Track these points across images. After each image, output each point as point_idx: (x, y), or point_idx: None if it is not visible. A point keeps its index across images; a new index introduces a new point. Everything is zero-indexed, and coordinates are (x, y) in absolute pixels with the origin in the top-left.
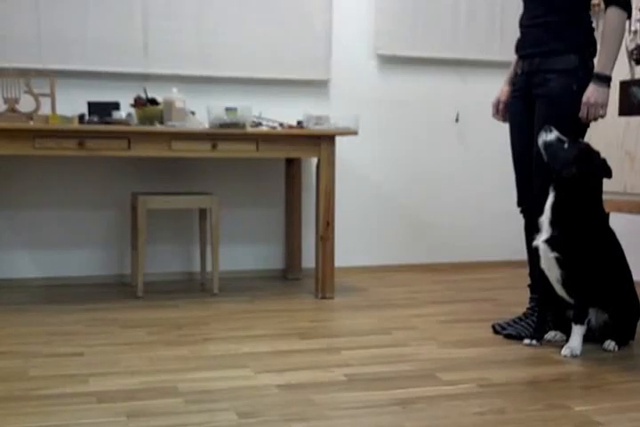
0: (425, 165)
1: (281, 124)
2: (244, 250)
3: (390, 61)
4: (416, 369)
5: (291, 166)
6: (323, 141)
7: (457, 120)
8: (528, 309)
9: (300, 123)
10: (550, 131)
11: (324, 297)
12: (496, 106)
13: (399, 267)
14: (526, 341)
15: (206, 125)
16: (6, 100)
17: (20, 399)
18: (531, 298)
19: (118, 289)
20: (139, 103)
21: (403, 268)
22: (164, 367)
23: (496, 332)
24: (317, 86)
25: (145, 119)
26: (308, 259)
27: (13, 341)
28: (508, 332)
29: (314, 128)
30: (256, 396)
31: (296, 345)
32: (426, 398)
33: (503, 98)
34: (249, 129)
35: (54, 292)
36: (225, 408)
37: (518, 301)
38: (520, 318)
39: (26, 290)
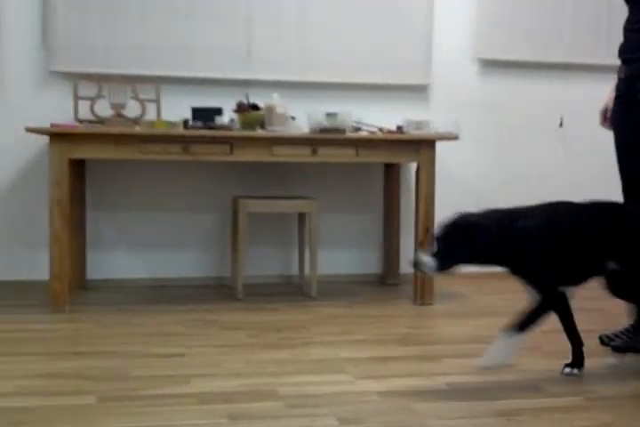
0: (525, 171)
1: (380, 129)
2: (343, 254)
3: (491, 65)
4: (520, 380)
5: (390, 171)
6: (423, 146)
7: (561, 125)
8: (637, 321)
9: (399, 128)
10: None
11: (422, 303)
12: (604, 114)
13: (497, 274)
14: None
15: (306, 130)
16: (113, 106)
17: (121, 399)
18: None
19: (218, 291)
20: (241, 109)
21: (500, 275)
22: (264, 370)
23: (603, 343)
24: (417, 91)
25: (247, 124)
26: (407, 264)
27: (115, 341)
28: (615, 344)
29: (414, 133)
30: (356, 402)
31: (395, 352)
32: (530, 411)
33: (611, 105)
34: (349, 134)
35: (156, 292)
36: (325, 413)
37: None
38: (628, 330)
39: (127, 290)
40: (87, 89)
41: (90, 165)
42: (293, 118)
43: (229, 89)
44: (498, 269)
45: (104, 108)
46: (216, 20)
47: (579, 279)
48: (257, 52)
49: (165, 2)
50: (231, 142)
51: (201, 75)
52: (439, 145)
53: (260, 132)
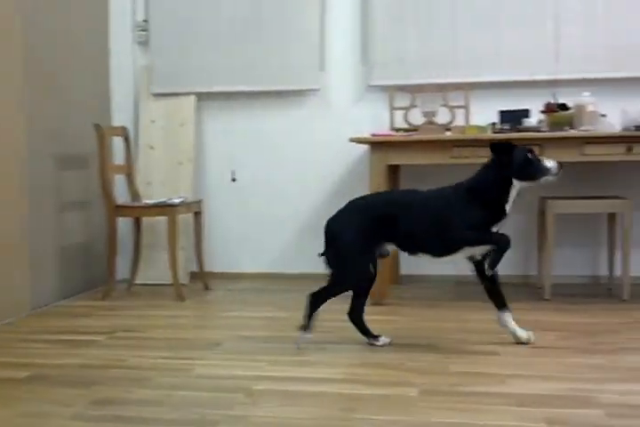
0: None
1: None
2: None
3: None
4: None
5: None
6: None
7: None
8: None
9: None
10: None
11: None
12: None
13: None
14: None
15: (619, 128)
16: (425, 114)
17: (442, 394)
18: None
19: (523, 289)
20: (549, 109)
21: None
22: (580, 376)
23: None
24: None
25: (555, 125)
26: None
27: (431, 335)
28: None
29: None
30: None
31: None
32: None
33: None
34: None
35: (464, 289)
36: None
37: None
38: None
39: (438, 285)
40: (401, 99)
41: (403, 170)
42: (604, 116)
43: (536, 90)
44: None
45: (416, 117)
46: (524, 24)
47: None
48: (565, 51)
49: (473, 9)
50: (540, 144)
51: (508, 78)
52: None
53: (570, 132)
